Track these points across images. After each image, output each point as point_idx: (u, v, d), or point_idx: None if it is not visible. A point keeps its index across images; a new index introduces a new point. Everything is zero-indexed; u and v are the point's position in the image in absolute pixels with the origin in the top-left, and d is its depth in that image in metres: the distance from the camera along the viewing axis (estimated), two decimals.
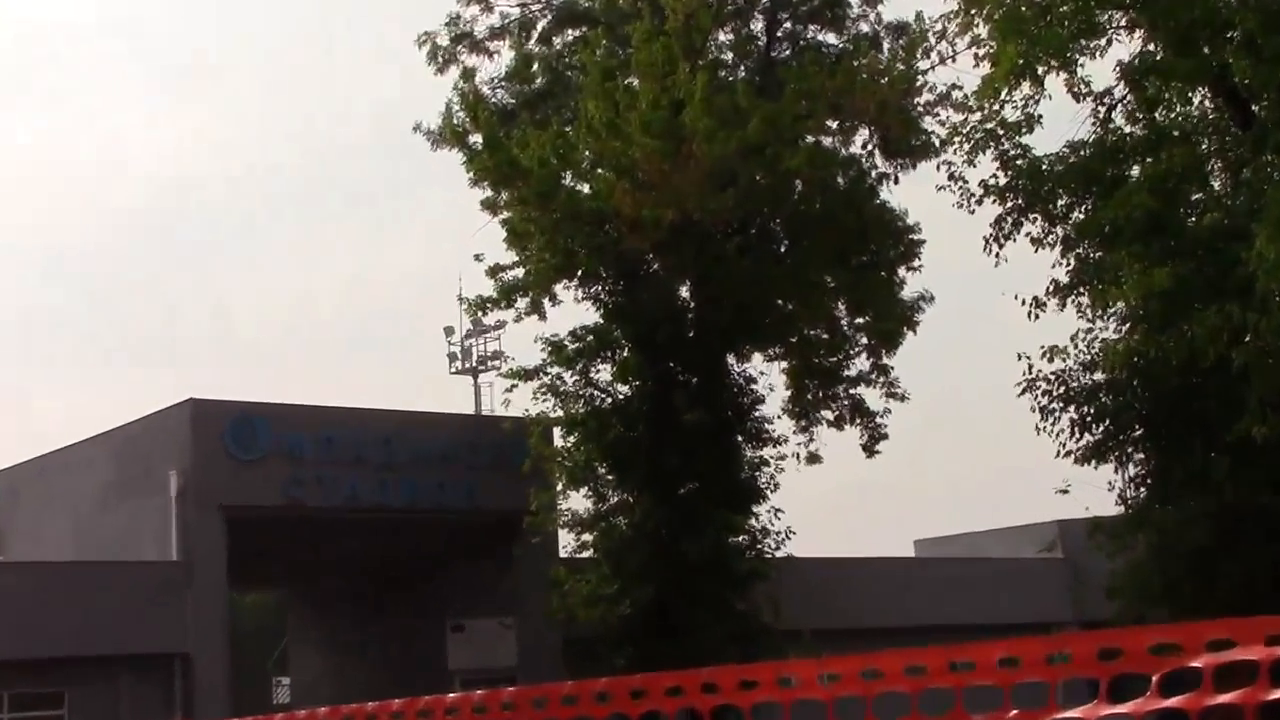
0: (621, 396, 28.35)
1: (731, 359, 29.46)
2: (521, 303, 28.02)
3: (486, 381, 38.99)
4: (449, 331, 39.63)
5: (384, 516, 29.99)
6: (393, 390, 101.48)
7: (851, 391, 30.65)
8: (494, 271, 27.77)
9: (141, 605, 26.67)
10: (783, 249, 29.93)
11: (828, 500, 68.92)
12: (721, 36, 30.83)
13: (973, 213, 22.73)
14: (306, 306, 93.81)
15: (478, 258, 27.99)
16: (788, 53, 31.03)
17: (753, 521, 28.18)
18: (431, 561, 33.61)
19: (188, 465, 27.13)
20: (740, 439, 28.90)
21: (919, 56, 25.51)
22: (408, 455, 29.46)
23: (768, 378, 29.69)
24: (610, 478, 27.99)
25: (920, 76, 26.43)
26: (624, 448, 27.52)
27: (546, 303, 28.09)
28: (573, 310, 29.12)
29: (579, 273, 28.14)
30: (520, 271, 27.83)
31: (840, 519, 75.12)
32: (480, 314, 30.82)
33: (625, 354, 28.25)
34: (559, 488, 28.26)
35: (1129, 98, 22.40)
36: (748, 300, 28.13)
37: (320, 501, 28.49)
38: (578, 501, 28.48)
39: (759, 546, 28.22)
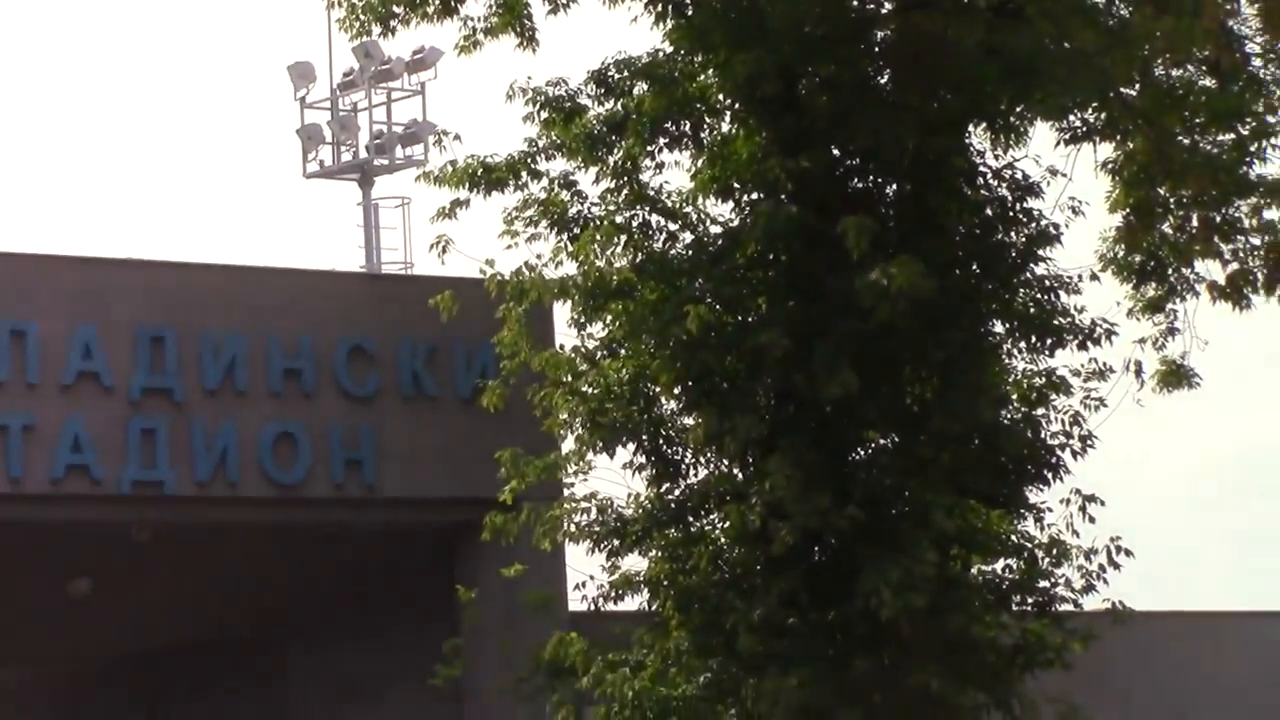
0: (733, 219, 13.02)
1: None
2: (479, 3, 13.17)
3: (390, 198, 18.91)
4: (300, 78, 17.94)
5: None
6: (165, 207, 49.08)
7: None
8: None
9: None
10: None
11: (1190, 483, 37.03)
12: None
13: None
14: None
15: None
16: None
17: (1033, 530, 12.83)
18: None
19: None
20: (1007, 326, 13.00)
21: None
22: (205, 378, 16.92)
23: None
24: (699, 423, 12.50)
25: None
26: (745, 353, 12.20)
27: (536, 1, 13.06)
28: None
29: None
30: None
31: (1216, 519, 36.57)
32: (373, 26, 13.52)
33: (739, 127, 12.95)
34: (569, 445, 13.13)
35: None
36: None
37: None
38: (606, 480, 12.99)
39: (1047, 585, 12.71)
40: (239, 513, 17.49)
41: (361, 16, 13.35)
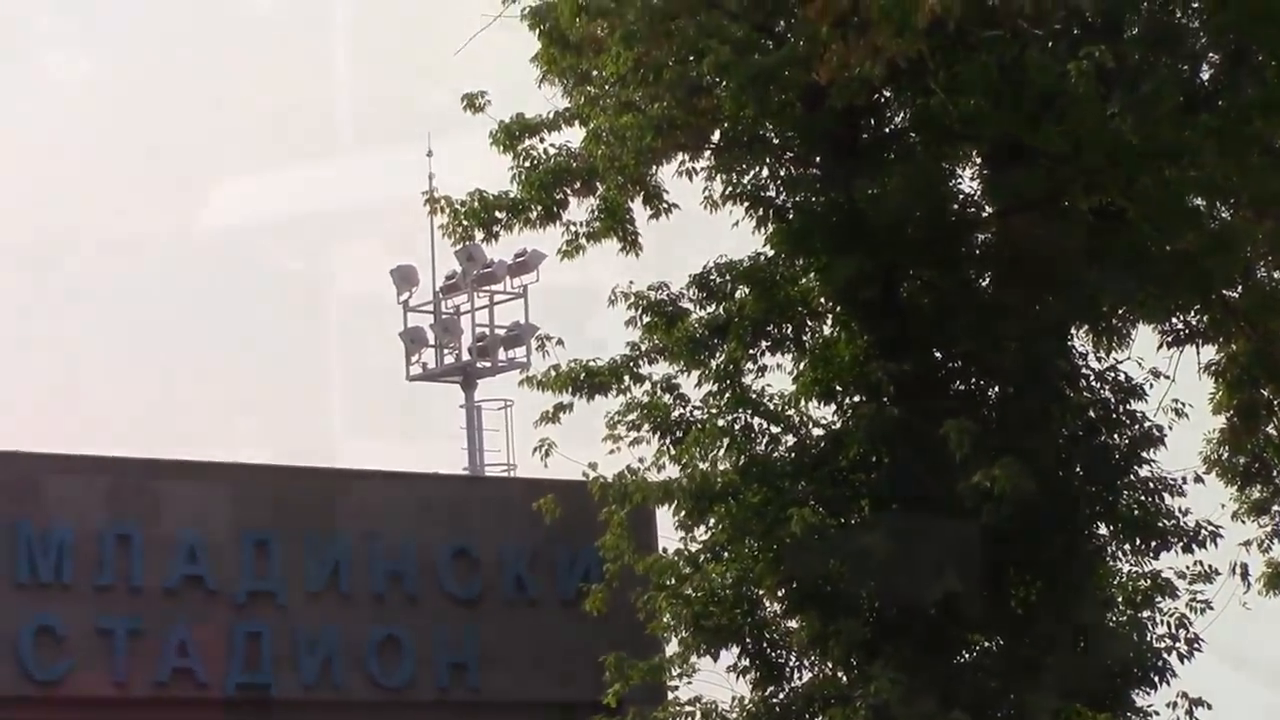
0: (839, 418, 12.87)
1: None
2: (581, 209, 13.15)
3: (493, 400, 18.70)
4: (403, 281, 18.02)
5: None
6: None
7: None
8: (517, 134, 12.99)
9: None
10: None
11: None
12: None
13: None
14: None
15: (473, 101, 13.04)
16: None
17: None
18: None
19: None
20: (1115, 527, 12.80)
21: None
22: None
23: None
24: (802, 626, 12.35)
25: None
26: (848, 556, 11.97)
27: (638, 207, 13.12)
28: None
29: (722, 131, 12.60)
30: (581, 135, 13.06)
31: None
32: (475, 232, 13.55)
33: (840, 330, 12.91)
34: (673, 649, 12.86)
35: None
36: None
37: None
38: (710, 683, 12.81)
39: None
40: (345, 716, 17.35)
41: (464, 222, 13.47)
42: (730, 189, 12.69)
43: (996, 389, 13.04)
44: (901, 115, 12.15)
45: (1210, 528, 12.71)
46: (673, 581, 12.80)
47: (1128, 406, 13.08)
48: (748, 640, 12.46)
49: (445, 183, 14.40)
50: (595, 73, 12.78)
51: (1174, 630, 12.50)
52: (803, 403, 12.84)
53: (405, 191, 17.11)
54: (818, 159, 12.50)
